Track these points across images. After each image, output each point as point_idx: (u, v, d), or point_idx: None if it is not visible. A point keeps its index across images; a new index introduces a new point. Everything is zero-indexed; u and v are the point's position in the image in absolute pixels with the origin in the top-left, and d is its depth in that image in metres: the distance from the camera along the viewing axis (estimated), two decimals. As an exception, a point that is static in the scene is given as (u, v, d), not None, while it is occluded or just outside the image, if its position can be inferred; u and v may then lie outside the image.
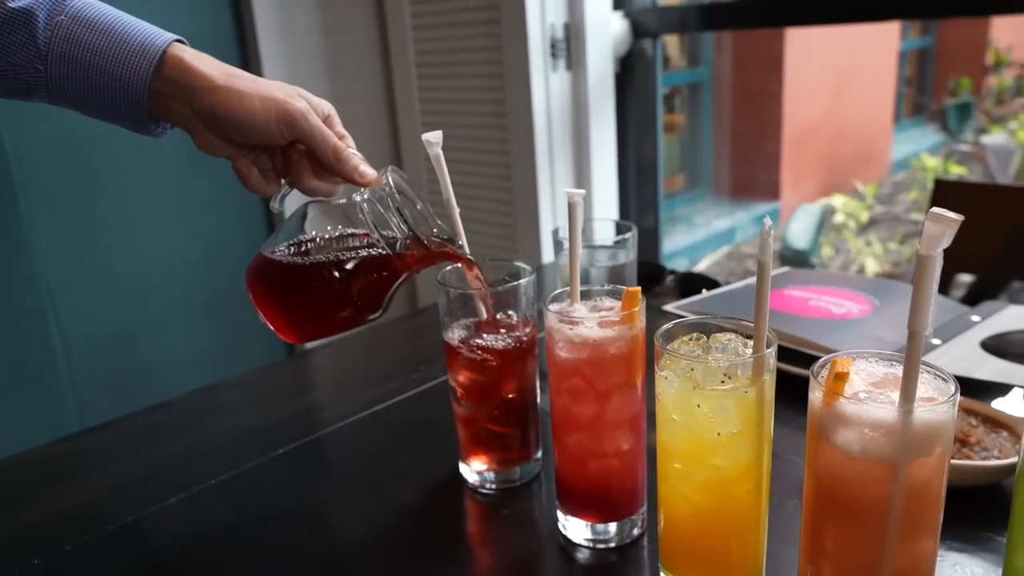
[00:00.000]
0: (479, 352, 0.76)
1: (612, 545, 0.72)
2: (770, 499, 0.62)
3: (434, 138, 0.75)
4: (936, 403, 0.48)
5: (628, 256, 0.95)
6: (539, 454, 0.84)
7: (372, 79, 2.33)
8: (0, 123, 1.73)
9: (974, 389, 0.86)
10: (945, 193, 1.73)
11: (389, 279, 0.71)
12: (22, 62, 0.64)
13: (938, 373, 0.51)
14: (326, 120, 0.72)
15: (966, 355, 0.93)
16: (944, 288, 1.64)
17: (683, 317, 0.63)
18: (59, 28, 0.64)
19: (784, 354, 0.93)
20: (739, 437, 0.57)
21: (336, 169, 0.71)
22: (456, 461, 0.85)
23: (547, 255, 2.03)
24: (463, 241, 0.74)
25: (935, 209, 0.44)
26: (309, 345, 1.75)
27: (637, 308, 0.66)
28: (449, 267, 0.78)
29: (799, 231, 4.81)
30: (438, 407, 0.98)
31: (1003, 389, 0.88)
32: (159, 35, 0.66)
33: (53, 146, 1.82)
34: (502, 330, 0.77)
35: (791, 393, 0.74)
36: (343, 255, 0.69)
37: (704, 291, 1.23)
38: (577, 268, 0.69)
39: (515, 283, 0.77)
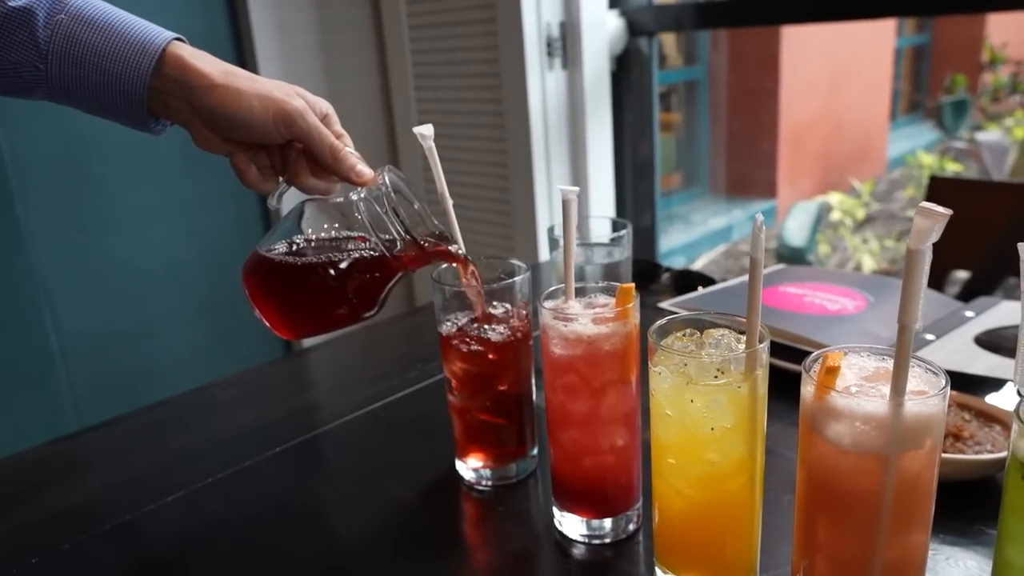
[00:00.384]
0: (471, 342, 0.76)
1: (608, 541, 0.72)
2: (764, 495, 0.63)
3: (426, 131, 0.75)
4: (927, 396, 0.48)
5: (623, 253, 0.95)
6: (535, 451, 0.85)
7: (368, 79, 2.33)
8: (-4, 124, 1.74)
9: (968, 384, 0.86)
10: (940, 190, 1.74)
11: (384, 278, 0.71)
12: (22, 61, 0.64)
13: (929, 367, 0.51)
14: (324, 119, 0.73)
15: (960, 350, 0.94)
16: (939, 285, 1.65)
17: (678, 314, 0.64)
18: (59, 27, 0.64)
19: (778, 350, 0.94)
20: (732, 432, 0.57)
21: (333, 168, 0.71)
22: (452, 458, 0.85)
23: (544, 254, 2.03)
24: (458, 238, 0.74)
25: (924, 203, 0.44)
26: (306, 344, 1.75)
27: (631, 304, 0.66)
28: (445, 265, 0.78)
29: (795, 229, 4.82)
30: (435, 405, 0.98)
31: (996, 384, 0.88)
32: (159, 33, 0.66)
33: (49, 146, 1.82)
34: (495, 323, 0.77)
35: (785, 389, 0.74)
36: (339, 254, 0.69)
37: (700, 288, 1.24)
38: (572, 265, 0.70)
39: (510, 280, 0.77)
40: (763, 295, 1.13)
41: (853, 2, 1.69)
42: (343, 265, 0.69)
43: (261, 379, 1.20)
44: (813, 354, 0.53)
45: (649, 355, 0.60)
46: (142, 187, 1.98)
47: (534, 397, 0.83)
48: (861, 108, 6.91)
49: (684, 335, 0.62)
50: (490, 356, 0.77)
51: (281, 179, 0.74)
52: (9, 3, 0.62)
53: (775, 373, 0.65)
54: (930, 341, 0.96)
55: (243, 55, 2.11)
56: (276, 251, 0.70)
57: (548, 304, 0.70)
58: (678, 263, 5.11)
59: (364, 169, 0.72)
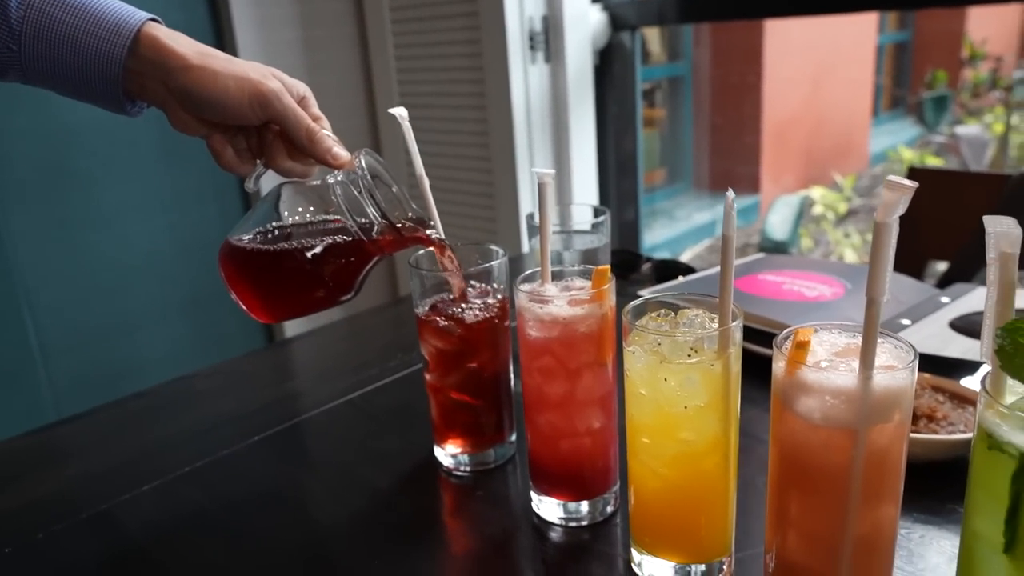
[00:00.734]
0: (443, 319, 0.76)
1: (585, 523, 0.72)
2: (740, 477, 0.63)
3: (403, 111, 0.75)
4: (895, 370, 0.49)
5: (602, 240, 0.95)
6: (513, 437, 0.85)
7: (351, 73, 2.32)
8: (-28, 118, 1.72)
9: (942, 367, 0.87)
10: (918, 182, 1.75)
11: (361, 262, 0.71)
12: None
13: (898, 342, 0.52)
14: (301, 101, 0.72)
15: (935, 334, 0.95)
16: (918, 275, 1.66)
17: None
18: (32, 7, 0.63)
19: (756, 336, 0.94)
20: (706, 410, 0.58)
21: (309, 150, 0.71)
22: (431, 446, 0.85)
23: (527, 246, 2.04)
24: (436, 220, 0.74)
25: (891, 177, 0.45)
26: (288, 335, 1.74)
27: (607, 286, 0.66)
28: (422, 250, 0.78)
29: (778, 223, 4.85)
30: (414, 394, 0.98)
31: (970, 367, 0.89)
32: (133, 14, 0.66)
33: (28, 142, 1.80)
34: (469, 301, 0.77)
35: (763, 375, 0.74)
36: (315, 238, 0.69)
37: (680, 278, 1.24)
38: (548, 247, 0.70)
39: (487, 265, 0.77)
40: (742, 283, 1.14)
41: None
42: (319, 249, 0.69)
43: (241, 370, 1.19)
44: (784, 331, 0.54)
45: (624, 335, 0.60)
46: (123, 183, 1.97)
47: (512, 384, 0.83)
48: (843, 104, 6.96)
49: (659, 315, 0.62)
50: (462, 333, 0.76)
51: (258, 162, 0.74)
52: None
53: (753, 360, 0.65)
54: (906, 326, 0.97)
55: (223, 50, 2.09)
56: (252, 235, 0.70)
57: (524, 287, 0.70)
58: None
59: (341, 152, 0.72)
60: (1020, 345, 0.42)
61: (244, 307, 0.71)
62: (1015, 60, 7.05)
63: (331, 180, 0.71)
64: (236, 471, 0.86)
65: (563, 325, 0.66)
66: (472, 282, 0.78)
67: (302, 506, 0.80)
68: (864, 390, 0.48)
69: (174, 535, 0.76)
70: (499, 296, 0.78)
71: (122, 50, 0.65)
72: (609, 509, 0.73)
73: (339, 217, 0.70)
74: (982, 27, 7.00)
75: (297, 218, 0.71)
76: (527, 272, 0.71)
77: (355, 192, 0.69)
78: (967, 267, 1.60)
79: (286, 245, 0.69)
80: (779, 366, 0.52)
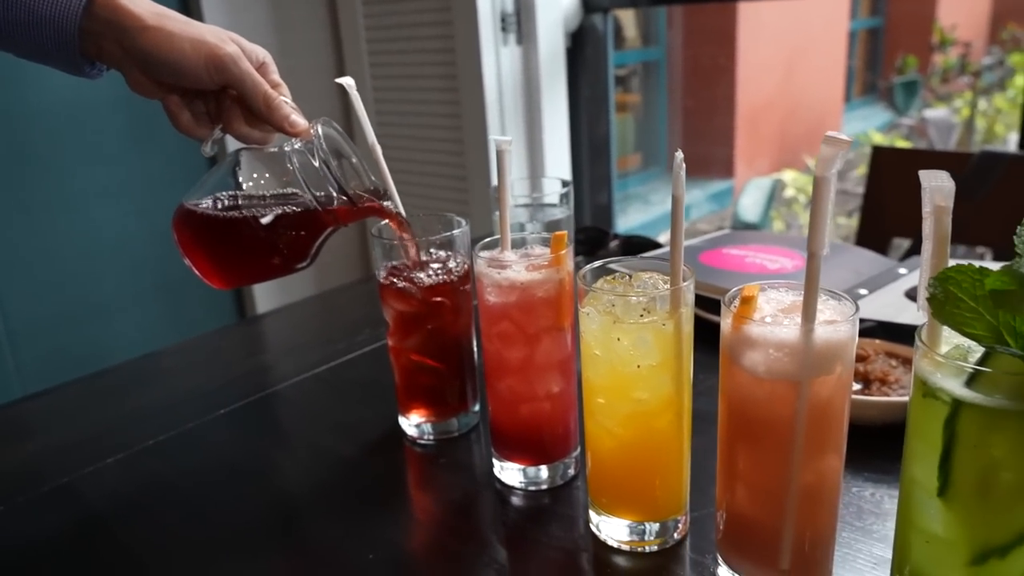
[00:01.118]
0: (402, 281, 0.77)
1: (545, 487, 0.73)
2: (696, 442, 0.64)
3: (350, 80, 0.75)
4: (836, 323, 0.50)
5: (565, 212, 0.96)
6: (476, 407, 0.86)
7: (322, 56, 2.31)
8: (-68, 100, 1.69)
9: (897, 334, 0.89)
10: (882, 160, 1.78)
11: (316, 231, 0.71)
12: None
13: (842, 297, 0.53)
14: (260, 67, 0.72)
15: (891, 303, 0.97)
16: (883, 252, 1.69)
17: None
18: None
19: (717, 307, 0.95)
20: (659, 369, 0.59)
21: (266, 116, 0.71)
22: (396, 417, 0.86)
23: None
24: (392, 190, 0.74)
25: (830, 133, 0.46)
26: (259, 311, 1.73)
27: (563, 251, 0.67)
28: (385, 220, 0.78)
29: (750, 205, 4.89)
30: (380, 368, 0.98)
31: (924, 334, 0.91)
32: None
33: (-11, 123, 1.77)
34: (427, 265, 0.78)
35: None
36: (271, 207, 0.69)
37: (646, 253, 1.25)
38: (507, 214, 0.70)
39: (448, 233, 0.78)
40: (708, 257, 1.15)
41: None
42: (274, 217, 0.69)
43: (207, 346, 1.18)
44: (733, 290, 0.55)
45: (579, 298, 0.61)
46: (89, 166, 1.94)
47: (476, 357, 0.84)
48: (816, 89, 7.01)
49: (614, 278, 0.63)
50: (419, 294, 0.77)
51: (218, 127, 0.73)
52: None
53: (711, 329, 0.66)
54: (864, 295, 0.99)
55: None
56: (208, 202, 0.70)
57: (484, 254, 0.70)
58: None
59: (298, 119, 0.72)
60: (951, 293, 0.43)
61: (198, 272, 0.71)
62: (984, 46, 7.14)
63: (288, 148, 0.71)
64: (201, 444, 0.86)
65: (521, 290, 0.67)
66: (433, 250, 0.78)
67: (267, 477, 0.80)
68: (806, 343, 0.49)
69: (137, 507, 0.76)
70: (458, 261, 0.79)
71: (77, 10, 0.64)
72: (571, 472, 0.74)
73: (295, 188, 0.70)
74: (952, 13, 7.08)
75: (253, 185, 0.70)
76: (487, 239, 0.72)
77: (312, 161, 0.70)
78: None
79: (241, 213, 0.69)
80: (727, 323, 0.53)
